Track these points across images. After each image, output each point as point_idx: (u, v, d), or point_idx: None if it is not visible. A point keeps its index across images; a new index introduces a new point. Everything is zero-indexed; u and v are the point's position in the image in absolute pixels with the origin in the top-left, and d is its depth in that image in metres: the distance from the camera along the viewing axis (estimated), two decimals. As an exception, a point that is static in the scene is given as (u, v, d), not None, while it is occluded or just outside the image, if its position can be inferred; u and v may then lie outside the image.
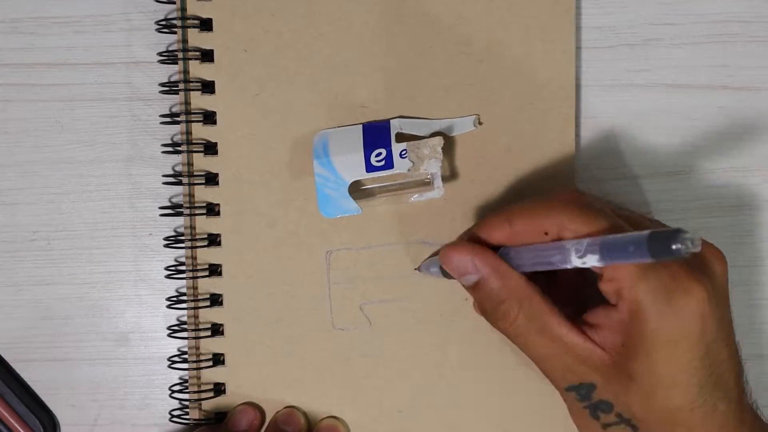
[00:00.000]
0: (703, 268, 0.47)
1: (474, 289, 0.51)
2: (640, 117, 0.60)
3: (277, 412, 0.59)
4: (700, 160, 0.60)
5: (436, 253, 0.57)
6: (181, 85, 0.58)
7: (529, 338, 0.49)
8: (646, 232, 0.39)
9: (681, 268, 0.45)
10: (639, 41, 0.60)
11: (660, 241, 0.38)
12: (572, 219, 0.46)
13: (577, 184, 0.58)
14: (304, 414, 0.59)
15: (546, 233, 0.48)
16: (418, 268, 0.58)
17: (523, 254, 0.49)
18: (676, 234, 0.37)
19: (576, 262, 0.44)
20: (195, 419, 0.59)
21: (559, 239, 0.47)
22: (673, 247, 0.37)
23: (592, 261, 0.43)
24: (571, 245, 0.44)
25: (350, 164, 0.55)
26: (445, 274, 0.53)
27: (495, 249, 0.50)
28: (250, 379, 0.59)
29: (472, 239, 0.51)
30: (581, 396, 0.49)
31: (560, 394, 0.51)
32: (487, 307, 0.50)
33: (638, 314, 0.45)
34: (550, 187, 0.57)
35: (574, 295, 0.52)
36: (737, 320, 0.60)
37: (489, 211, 0.58)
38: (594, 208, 0.47)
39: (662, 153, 0.60)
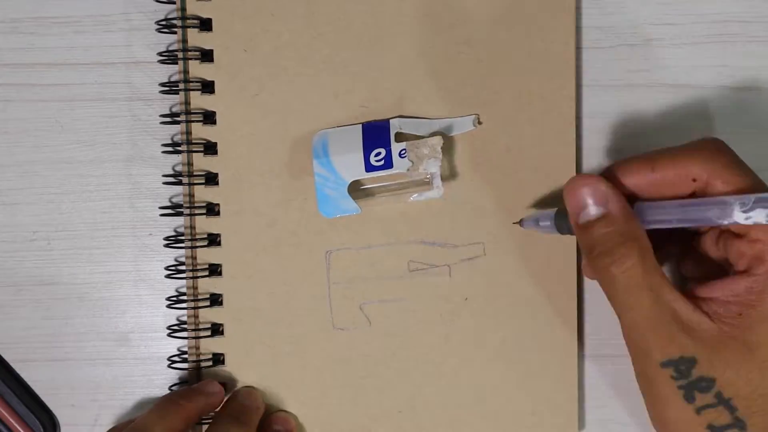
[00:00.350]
0: None
1: (590, 226, 0.48)
2: (640, 117, 0.60)
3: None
4: (701, 160, 0.60)
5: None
6: (181, 85, 0.58)
7: (637, 293, 0.46)
8: None
9: None
10: (639, 41, 0.60)
11: None
12: (725, 168, 0.45)
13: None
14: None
15: (694, 180, 0.47)
16: (520, 222, 0.56)
17: (668, 207, 0.47)
18: None
19: (739, 217, 0.43)
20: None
21: (705, 189, 0.46)
22: None
23: (759, 217, 0.42)
24: (734, 200, 0.43)
25: (350, 164, 0.55)
26: (560, 228, 0.51)
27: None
28: (250, 379, 0.59)
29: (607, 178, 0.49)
30: (679, 373, 0.46)
31: (646, 375, 0.48)
32: (605, 247, 0.47)
33: None
34: (551, 187, 0.57)
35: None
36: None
37: (501, 206, 0.58)
38: (742, 163, 0.46)
39: (662, 153, 0.60)
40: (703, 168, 0.46)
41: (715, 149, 0.47)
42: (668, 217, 0.47)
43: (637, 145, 0.60)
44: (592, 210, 0.48)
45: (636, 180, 0.49)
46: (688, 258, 0.55)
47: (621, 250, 0.47)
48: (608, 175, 0.50)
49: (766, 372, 0.45)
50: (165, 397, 0.57)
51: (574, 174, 0.57)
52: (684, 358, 0.46)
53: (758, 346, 0.45)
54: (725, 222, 0.43)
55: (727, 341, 0.45)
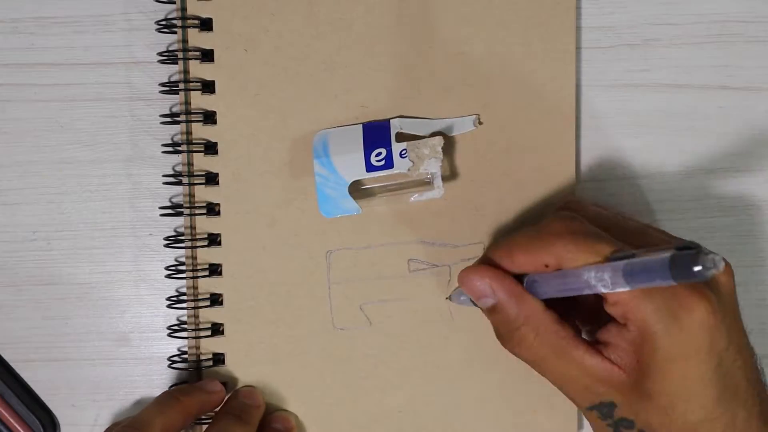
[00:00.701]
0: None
1: (490, 312, 0.51)
2: (640, 117, 0.60)
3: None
4: (700, 160, 0.60)
5: None
6: (181, 85, 0.58)
7: (547, 363, 0.49)
8: (665, 255, 0.39)
9: (687, 284, 0.45)
10: (639, 41, 0.60)
11: (681, 264, 0.38)
12: (568, 249, 0.47)
13: (577, 184, 0.58)
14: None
15: (546, 266, 0.48)
16: (449, 298, 0.57)
17: (549, 282, 0.49)
18: (696, 256, 0.37)
19: (602, 290, 0.44)
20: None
21: (560, 268, 0.48)
22: (695, 269, 0.37)
23: (619, 287, 0.43)
24: (594, 278, 0.44)
25: (350, 164, 0.55)
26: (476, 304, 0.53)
27: (520, 276, 0.51)
28: (250, 379, 0.59)
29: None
30: (603, 414, 0.49)
31: (582, 413, 0.51)
32: (503, 332, 0.51)
33: (646, 334, 0.45)
34: (551, 187, 0.57)
35: (592, 313, 0.52)
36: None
37: (501, 206, 0.58)
38: (589, 234, 0.48)
39: (662, 153, 0.60)
40: (550, 254, 0.48)
41: (559, 232, 0.48)
42: (552, 289, 0.49)
43: (637, 145, 0.60)
44: (486, 301, 0.51)
45: (505, 266, 0.51)
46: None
47: (516, 335, 0.50)
48: (486, 259, 0.52)
49: (673, 414, 0.46)
50: (165, 393, 0.57)
51: (573, 172, 0.58)
52: (604, 403, 0.48)
53: (656, 394, 0.46)
54: (595, 292, 0.45)
55: (633, 388, 0.47)
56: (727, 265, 0.48)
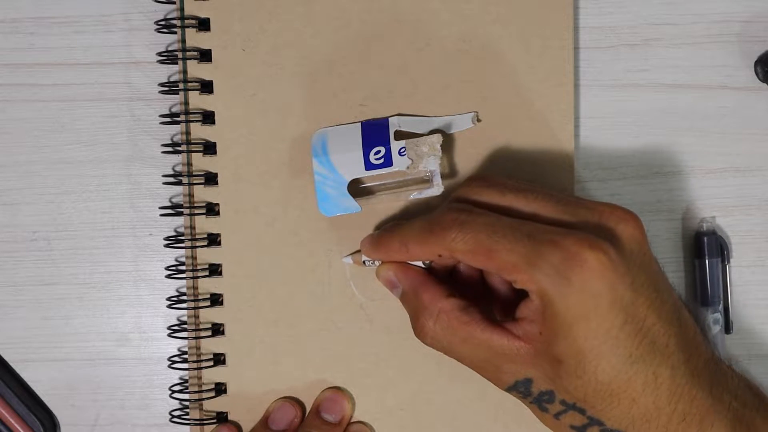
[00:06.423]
0: (605, 234, 0.46)
1: (402, 302, 0.54)
2: (640, 117, 0.60)
3: (321, 397, 0.59)
4: (700, 160, 0.60)
5: None
6: (181, 85, 0.58)
7: (454, 349, 0.50)
8: None
9: (575, 241, 0.45)
10: (639, 41, 0.60)
11: None
12: (457, 241, 0.48)
13: (576, 184, 0.59)
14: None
15: (440, 255, 0.49)
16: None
17: None
18: None
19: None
20: (196, 419, 0.59)
21: (453, 258, 0.50)
22: None
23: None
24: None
25: (349, 162, 0.55)
26: None
27: None
28: (251, 379, 0.59)
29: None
30: (523, 393, 0.49)
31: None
32: (411, 322, 0.52)
33: (544, 301, 0.45)
34: (549, 185, 0.57)
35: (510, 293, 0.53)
36: (736, 320, 0.60)
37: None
38: (476, 226, 0.48)
39: (662, 153, 0.60)
40: (442, 246, 0.49)
41: (448, 224, 0.49)
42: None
43: (637, 145, 0.60)
44: (396, 291, 0.54)
45: (400, 257, 0.53)
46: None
47: (418, 324, 0.51)
48: (379, 243, 0.54)
49: (585, 376, 0.46)
50: None
51: (572, 170, 0.58)
52: (520, 381, 0.48)
53: (565, 357, 0.46)
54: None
55: (544, 358, 0.47)
56: (631, 217, 0.48)
